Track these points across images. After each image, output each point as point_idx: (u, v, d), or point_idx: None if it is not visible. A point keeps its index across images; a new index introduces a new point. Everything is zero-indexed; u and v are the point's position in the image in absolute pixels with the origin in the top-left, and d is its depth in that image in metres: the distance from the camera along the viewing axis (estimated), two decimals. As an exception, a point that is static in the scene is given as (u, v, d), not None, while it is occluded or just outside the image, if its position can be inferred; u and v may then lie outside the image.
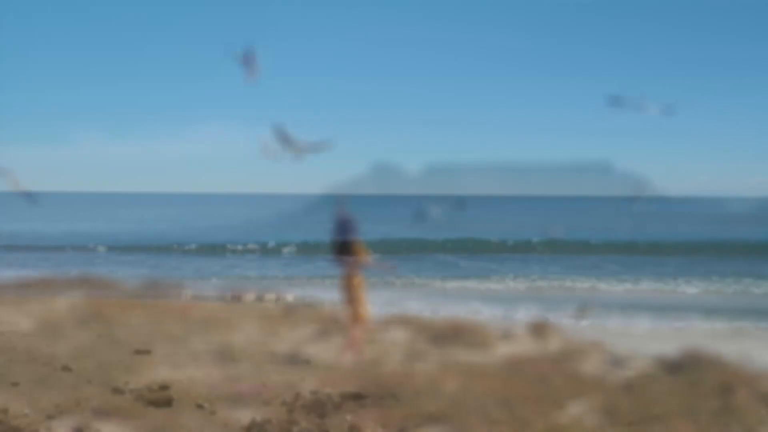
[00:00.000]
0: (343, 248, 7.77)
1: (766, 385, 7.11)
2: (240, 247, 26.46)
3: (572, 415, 6.12)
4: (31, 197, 6.89)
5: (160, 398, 6.27)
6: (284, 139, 6.69)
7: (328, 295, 12.63)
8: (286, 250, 25.98)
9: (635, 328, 12.53)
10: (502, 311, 14.02)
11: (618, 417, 6.11)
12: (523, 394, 6.55)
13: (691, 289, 18.68)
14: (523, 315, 13.41)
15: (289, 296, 14.82)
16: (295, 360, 7.95)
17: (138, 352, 8.06)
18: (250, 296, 14.40)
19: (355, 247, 7.80)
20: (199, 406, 6.05)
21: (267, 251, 26.23)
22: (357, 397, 6.25)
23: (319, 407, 6.00)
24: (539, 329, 10.91)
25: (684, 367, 7.67)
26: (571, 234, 30.10)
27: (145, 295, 13.23)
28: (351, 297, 7.82)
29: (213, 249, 26.22)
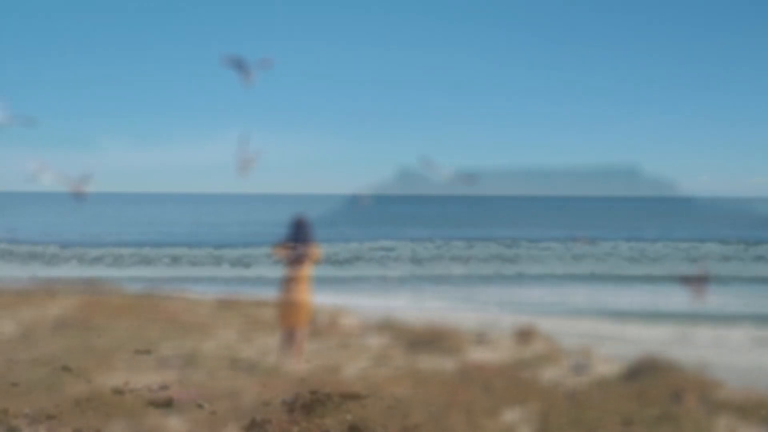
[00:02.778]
0: (295, 249, 7.84)
1: (717, 392, 6.98)
2: (255, 248, 26.61)
3: (502, 424, 6.08)
4: (80, 196, 6.81)
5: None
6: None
7: (329, 300, 12.69)
8: None
9: (630, 331, 12.36)
10: (503, 314, 13.93)
11: (550, 426, 6.06)
12: (462, 401, 6.53)
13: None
14: (524, 319, 13.29)
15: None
16: (253, 366, 8.03)
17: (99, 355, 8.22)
18: (248, 299, 14.51)
19: (309, 249, 7.87)
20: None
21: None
22: (289, 405, 6.30)
23: (249, 414, 6.08)
24: (524, 334, 10.83)
25: (639, 374, 7.56)
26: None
27: (142, 298, 13.45)
28: (294, 298, 7.89)
29: (228, 249, 26.47)
